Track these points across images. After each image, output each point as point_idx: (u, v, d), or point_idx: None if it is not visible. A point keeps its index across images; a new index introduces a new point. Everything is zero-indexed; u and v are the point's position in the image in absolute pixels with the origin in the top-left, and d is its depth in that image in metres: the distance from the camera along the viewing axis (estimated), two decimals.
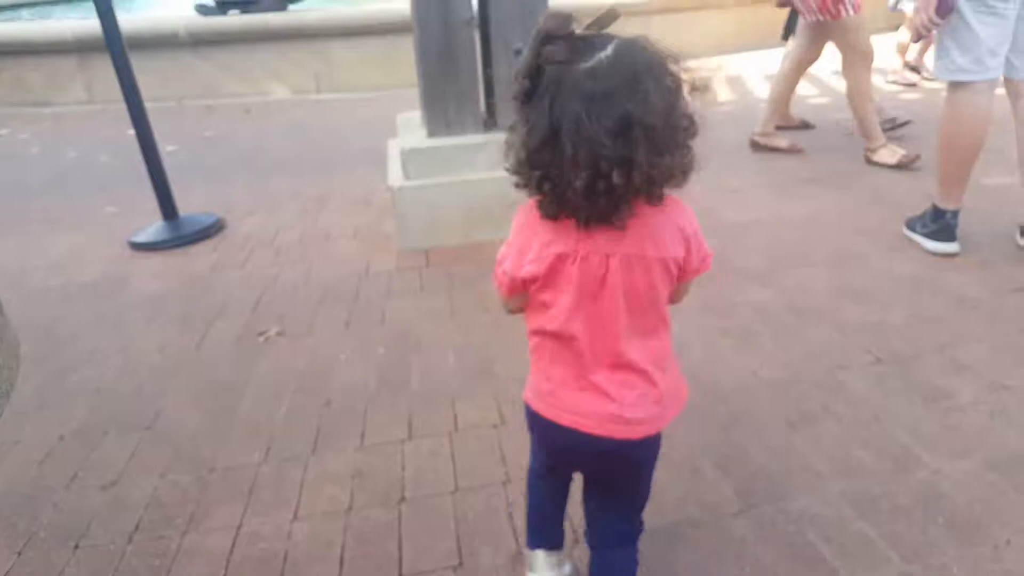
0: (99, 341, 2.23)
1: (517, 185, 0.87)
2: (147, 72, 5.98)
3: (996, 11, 2.19)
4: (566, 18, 0.81)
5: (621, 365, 0.91)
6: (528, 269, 0.90)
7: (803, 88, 5.33)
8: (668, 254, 0.88)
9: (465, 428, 1.73)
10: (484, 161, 2.75)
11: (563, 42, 0.80)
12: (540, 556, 1.20)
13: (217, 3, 6.61)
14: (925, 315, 2.10)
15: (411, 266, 2.63)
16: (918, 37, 2.31)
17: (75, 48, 6.06)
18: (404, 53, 4.96)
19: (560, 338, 0.92)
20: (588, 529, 1.09)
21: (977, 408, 1.69)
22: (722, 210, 3.00)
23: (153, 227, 3.06)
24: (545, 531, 1.21)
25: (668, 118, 0.77)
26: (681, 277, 0.92)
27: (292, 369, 2.02)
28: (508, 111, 2.74)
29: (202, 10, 6.57)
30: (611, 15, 0.88)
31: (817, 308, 2.17)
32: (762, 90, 5.24)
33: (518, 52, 2.72)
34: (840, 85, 4.15)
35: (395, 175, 2.80)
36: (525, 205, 0.92)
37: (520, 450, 1.64)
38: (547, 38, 0.80)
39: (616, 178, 0.77)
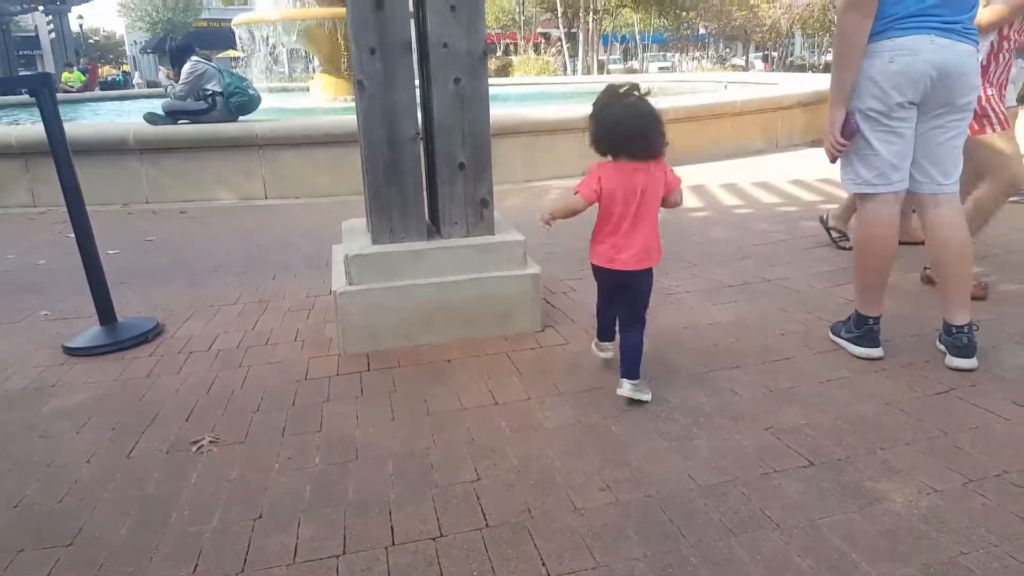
0: (24, 452, 2.11)
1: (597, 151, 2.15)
2: (93, 177, 5.99)
3: (894, 130, 2.36)
4: (631, 84, 2.13)
5: (635, 236, 2.16)
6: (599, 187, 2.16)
7: (769, 196, 5.67)
8: (661, 180, 2.13)
9: (402, 541, 1.67)
10: (428, 267, 2.79)
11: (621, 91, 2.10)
12: (605, 344, 2.53)
13: (167, 112, 6.70)
14: (855, 418, 2.15)
15: (352, 371, 2.60)
16: (833, 159, 2.48)
17: (19, 152, 6.01)
18: (351, 163, 5.10)
19: (605, 224, 2.18)
20: (620, 323, 2.28)
21: (910, 512, 1.71)
22: (659, 314, 3.10)
23: (89, 331, 2.96)
24: (605, 332, 2.51)
25: (660, 125, 2.07)
26: (668, 190, 2.16)
27: (225, 480, 1.94)
28: (451, 220, 2.87)
29: (151, 118, 6.63)
30: (638, 87, 2.12)
31: (751, 411, 2.21)
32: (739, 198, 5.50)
33: (461, 166, 2.83)
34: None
35: (338, 280, 2.81)
36: (598, 164, 2.16)
37: (460, 562, 1.59)
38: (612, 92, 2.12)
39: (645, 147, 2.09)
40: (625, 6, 31.95)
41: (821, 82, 10.39)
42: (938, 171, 2.44)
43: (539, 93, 14.42)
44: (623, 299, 2.22)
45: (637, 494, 1.80)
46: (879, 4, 2.29)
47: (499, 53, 36.28)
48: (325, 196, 6.00)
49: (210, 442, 2.12)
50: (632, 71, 36.39)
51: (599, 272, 2.24)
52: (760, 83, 12.42)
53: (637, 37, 42.91)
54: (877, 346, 2.57)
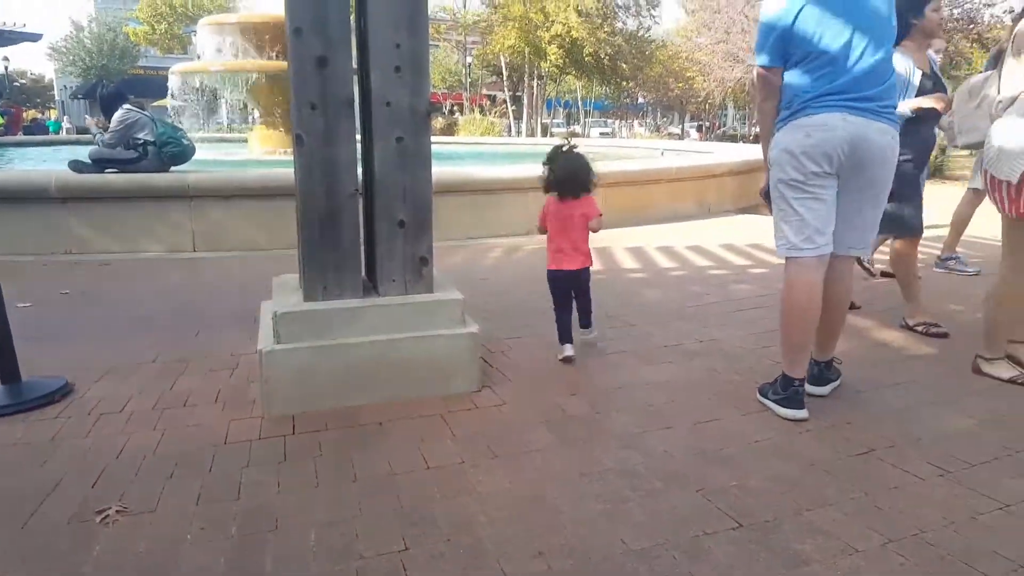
0: None
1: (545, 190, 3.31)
2: (11, 225, 5.75)
3: (815, 196, 2.55)
4: (565, 142, 3.32)
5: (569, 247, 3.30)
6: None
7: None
8: (585, 211, 3.22)
9: None
10: (362, 326, 2.77)
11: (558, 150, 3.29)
12: (567, 346, 3.30)
13: (94, 160, 6.53)
14: (781, 479, 2.20)
15: (275, 435, 2.51)
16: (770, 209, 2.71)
17: None
18: (287, 217, 5.03)
19: (552, 239, 3.32)
20: (577, 304, 3.42)
21: (833, 573, 1.75)
22: (595, 374, 3.13)
23: None
24: (565, 335, 3.32)
25: (589, 174, 3.23)
26: (589, 217, 3.24)
27: (131, 553, 1.82)
28: (389, 278, 2.87)
29: (76, 166, 6.46)
30: (572, 142, 3.33)
31: (683, 472, 2.24)
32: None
33: (401, 224, 2.85)
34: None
35: (265, 338, 2.75)
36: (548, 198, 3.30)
37: None
38: (557, 149, 3.28)
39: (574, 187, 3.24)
40: (569, 73, 33.13)
41: (751, 152, 10.92)
42: (853, 238, 2.68)
43: (484, 152, 14.67)
44: (573, 291, 3.41)
45: (570, 561, 1.78)
46: (797, 85, 2.53)
47: (445, 111, 37.01)
48: (259, 250, 5.90)
49: (117, 511, 2.01)
50: (574, 135, 37.54)
51: (553, 276, 3.36)
52: (694, 151, 12.96)
53: (579, 103, 44.50)
54: (802, 407, 2.66)
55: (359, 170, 2.80)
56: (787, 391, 2.69)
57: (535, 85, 34.31)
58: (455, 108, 37.25)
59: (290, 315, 2.70)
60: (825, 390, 2.88)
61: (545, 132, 34.34)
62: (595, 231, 3.29)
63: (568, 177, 3.25)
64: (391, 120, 2.77)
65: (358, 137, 2.76)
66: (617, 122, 45.16)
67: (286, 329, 2.69)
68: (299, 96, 2.63)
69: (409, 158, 2.81)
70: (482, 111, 26.91)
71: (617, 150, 15.14)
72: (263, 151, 11.04)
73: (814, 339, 2.79)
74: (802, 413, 2.65)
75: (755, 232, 7.30)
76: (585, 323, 3.53)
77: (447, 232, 6.57)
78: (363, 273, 2.99)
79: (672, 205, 8.50)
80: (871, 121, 2.49)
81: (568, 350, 3.33)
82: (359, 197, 2.79)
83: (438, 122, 26.34)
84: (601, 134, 42.73)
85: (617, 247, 6.43)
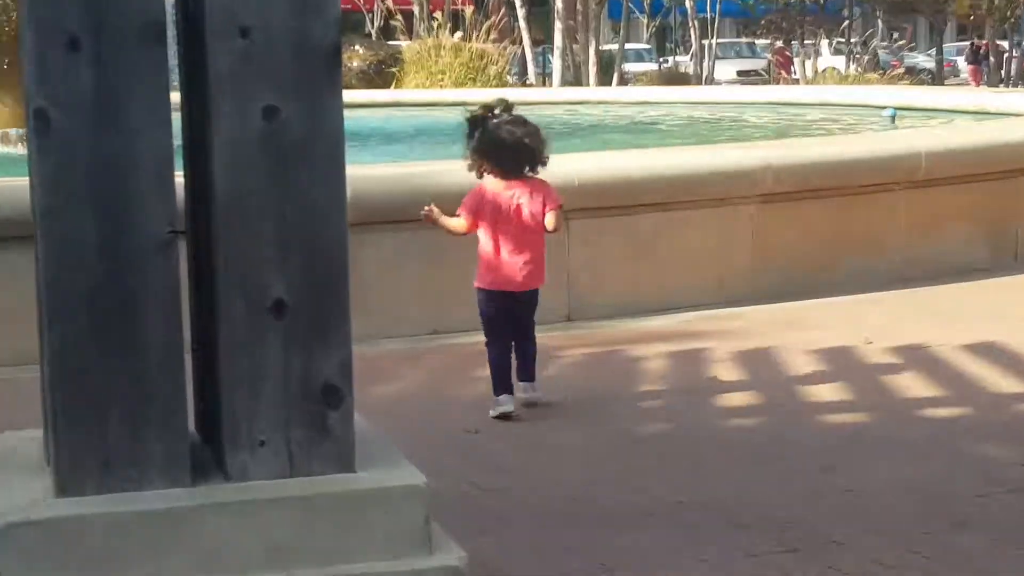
0: None
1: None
2: None
3: None
4: (499, 101, 5.41)
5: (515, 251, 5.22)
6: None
7: None
8: (544, 195, 5.18)
9: None
10: (192, 552, 2.80)
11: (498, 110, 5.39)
12: (507, 397, 5.32)
13: None
14: None
15: None
16: None
17: None
18: (27, 287, 5.13)
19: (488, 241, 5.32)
20: (516, 341, 5.41)
21: None
22: None
23: None
24: (505, 383, 5.32)
25: (540, 141, 5.27)
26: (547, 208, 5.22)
27: None
28: (251, 436, 2.88)
29: None
30: (508, 103, 5.40)
31: None
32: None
33: (279, 308, 2.89)
34: None
35: None
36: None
37: None
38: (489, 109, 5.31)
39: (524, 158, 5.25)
40: None
41: None
42: None
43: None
44: (518, 318, 5.09)
45: None
46: None
47: (372, 28, 37.71)
48: None
49: None
50: (676, 78, 38.06)
51: (493, 297, 5.03)
52: (971, 110, 13.19)
53: (688, 3, 45.25)
54: None
55: (180, 183, 2.86)
56: None
57: None
58: (396, 21, 37.91)
59: (22, 530, 2.72)
60: None
61: (609, 72, 34.74)
62: (554, 230, 4.99)
63: (513, 143, 4.90)
64: (251, 69, 2.86)
65: (176, 111, 2.83)
66: (776, 46, 45.79)
67: (13, 560, 2.70)
68: (39, 21, 2.73)
69: (294, 152, 2.90)
70: (458, 26, 27.51)
71: (779, 112, 15.44)
72: None
73: None
74: None
75: None
76: (528, 375, 5.27)
77: (395, 317, 6.74)
78: (193, 426, 3.03)
79: (920, 242, 8.72)
80: None
81: (507, 403, 5.11)
82: (177, 245, 2.86)
83: (356, 56, 26.96)
84: (742, 74, 43.24)
85: (788, 343, 6.70)
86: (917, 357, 6.42)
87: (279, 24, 2.85)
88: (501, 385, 4.93)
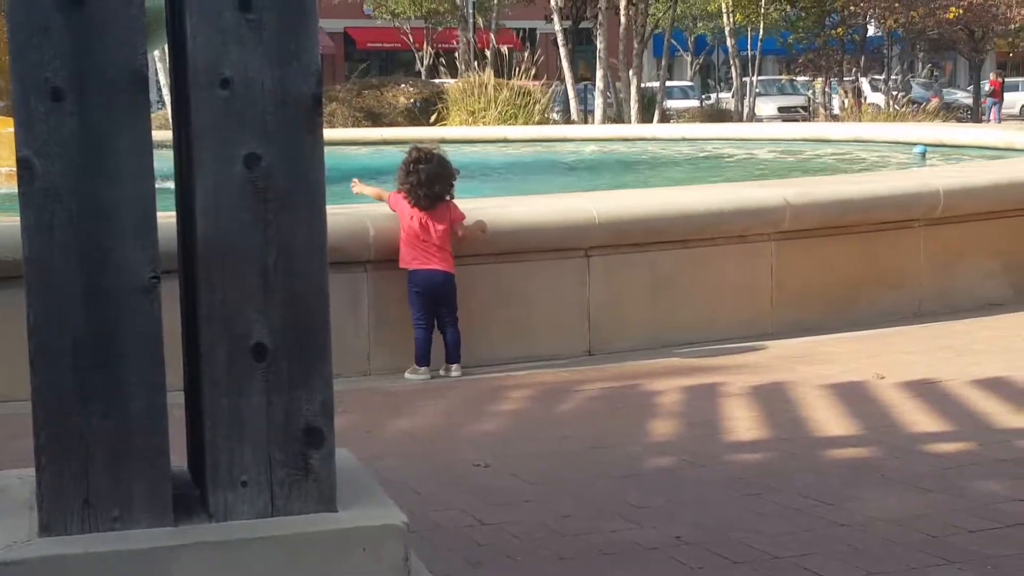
0: None
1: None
2: None
3: None
4: (432, 146, 8.32)
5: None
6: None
7: None
8: (449, 216, 7.64)
9: None
10: None
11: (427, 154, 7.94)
12: (423, 368, 7.46)
13: None
14: None
15: None
16: None
17: None
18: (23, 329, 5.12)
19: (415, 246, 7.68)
20: (442, 325, 7.46)
21: None
22: None
23: None
24: (426, 356, 7.38)
25: (451, 177, 7.87)
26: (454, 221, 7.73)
27: None
28: (233, 475, 2.87)
29: None
30: (437, 145, 8.56)
31: None
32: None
33: (260, 352, 2.88)
34: None
35: None
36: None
37: None
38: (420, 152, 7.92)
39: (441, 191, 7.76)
40: None
41: None
42: None
43: (511, 159, 15.03)
44: (440, 301, 7.18)
45: None
46: None
47: (422, 66, 37.95)
48: None
49: None
50: (717, 114, 37.97)
51: (417, 278, 7.16)
52: (997, 146, 13.13)
53: (730, 41, 45.20)
54: None
55: (162, 229, 2.87)
56: None
57: (624, 5, 34.88)
58: (440, 61, 38.04)
59: (2, 571, 2.70)
60: None
61: (651, 108, 34.72)
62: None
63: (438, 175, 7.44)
64: (232, 118, 2.86)
65: (163, 159, 2.84)
66: (818, 81, 45.69)
67: None
68: (23, 72, 2.73)
69: (275, 199, 2.89)
70: (501, 64, 27.58)
71: (814, 150, 15.41)
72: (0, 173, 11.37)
73: None
74: None
75: None
76: (456, 351, 7.21)
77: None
78: (186, 465, 3.02)
79: (939, 278, 8.71)
80: None
81: (424, 373, 7.10)
82: (159, 290, 2.85)
83: (402, 93, 27.06)
84: (783, 110, 43.19)
85: (801, 378, 6.76)
86: (927, 392, 6.41)
87: (260, 75, 2.85)
88: (426, 356, 7.10)
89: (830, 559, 4.13)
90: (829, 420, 5.94)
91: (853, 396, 6.37)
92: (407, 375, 7.05)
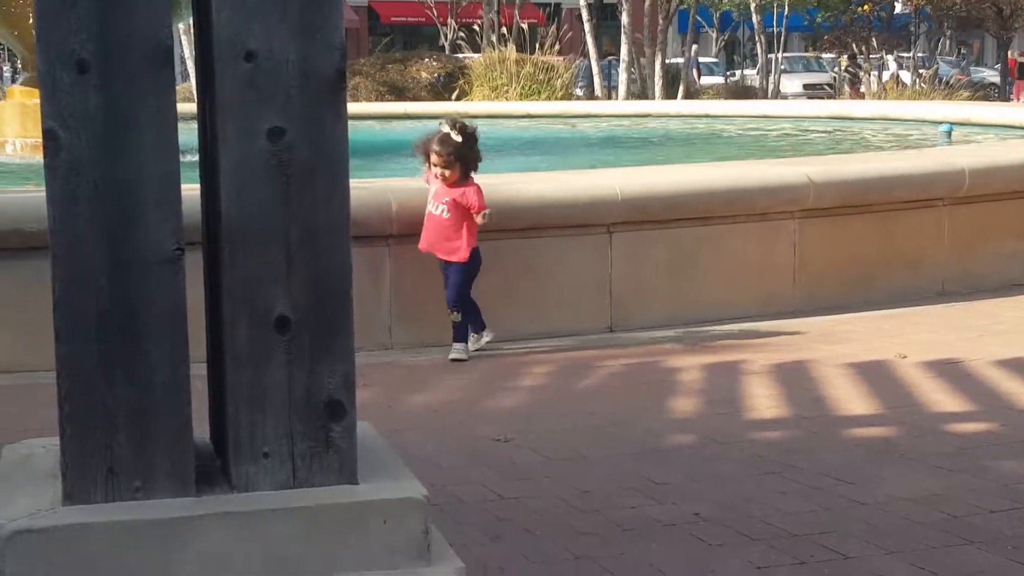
0: None
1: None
2: None
3: None
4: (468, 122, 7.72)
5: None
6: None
7: None
8: (466, 200, 7.07)
9: None
10: (196, 562, 2.80)
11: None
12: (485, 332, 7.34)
13: None
14: None
15: None
16: None
17: None
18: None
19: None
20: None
21: None
22: None
23: None
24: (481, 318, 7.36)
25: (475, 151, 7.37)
26: (470, 210, 7.03)
27: None
28: (256, 448, 2.89)
29: None
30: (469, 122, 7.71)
31: None
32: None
33: (283, 324, 2.90)
34: None
35: None
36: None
37: None
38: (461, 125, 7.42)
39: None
40: None
41: None
42: None
43: (536, 135, 14.97)
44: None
45: None
46: None
47: (446, 42, 37.87)
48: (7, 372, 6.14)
49: None
50: (742, 91, 37.78)
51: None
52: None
53: (756, 18, 45.00)
54: None
55: (186, 201, 2.88)
56: None
57: None
58: (461, 35, 37.91)
59: (26, 538, 2.73)
60: None
61: (675, 84, 34.56)
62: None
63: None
64: (256, 93, 2.87)
65: (188, 132, 2.85)
66: (842, 60, 45.41)
67: (20, 567, 2.72)
68: (48, 46, 2.74)
69: (298, 174, 2.90)
70: (524, 40, 27.47)
71: (839, 128, 15.32)
72: (24, 144, 11.40)
73: None
74: None
75: None
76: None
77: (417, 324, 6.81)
78: (208, 436, 3.04)
79: (962, 258, 8.69)
80: None
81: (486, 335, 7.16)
82: (183, 262, 2.87)
83: (425, 68, 26.99)
84: (807, 87, 42.94)
85: (823, 357, 6.76)
86: (949, 372, 6.38)
87: (283, 49, 2.86)
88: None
89: (849, 537, 4.12)
90: (850, 399, 5.92)
91: (875, 375, 6.35)
92: (471, 347, 6.92)
